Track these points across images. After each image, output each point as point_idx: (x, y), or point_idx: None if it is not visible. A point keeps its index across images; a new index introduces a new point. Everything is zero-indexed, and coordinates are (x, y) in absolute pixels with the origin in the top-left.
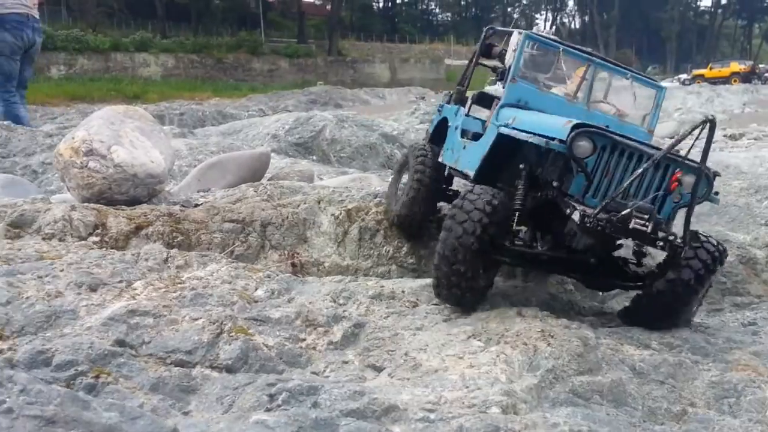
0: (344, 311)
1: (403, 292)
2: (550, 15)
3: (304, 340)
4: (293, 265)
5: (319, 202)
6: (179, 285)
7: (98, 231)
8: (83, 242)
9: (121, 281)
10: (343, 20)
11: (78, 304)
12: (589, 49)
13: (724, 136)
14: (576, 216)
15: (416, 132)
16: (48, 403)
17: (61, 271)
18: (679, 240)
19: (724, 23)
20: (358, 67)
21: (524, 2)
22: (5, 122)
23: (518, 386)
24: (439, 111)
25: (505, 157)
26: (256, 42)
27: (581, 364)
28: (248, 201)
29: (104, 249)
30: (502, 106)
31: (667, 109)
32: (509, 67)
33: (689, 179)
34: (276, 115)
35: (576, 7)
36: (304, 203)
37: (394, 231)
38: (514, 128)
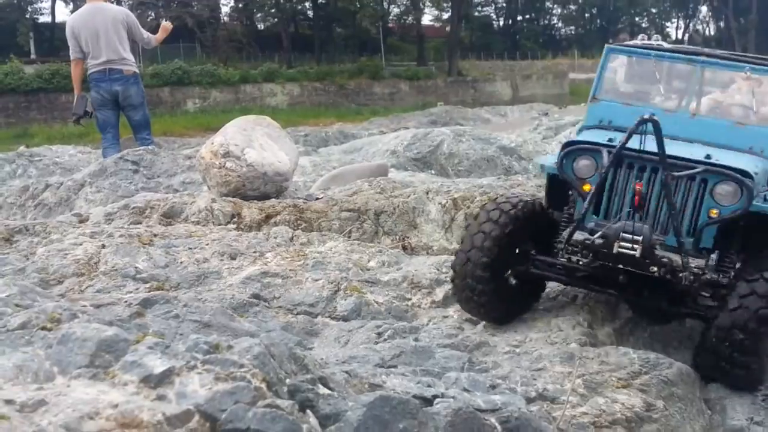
0: (446, 277)
1: None
2: (681, 23)
3: (410, 299)
4: (404, 247)
5: (427, 193)
6: (302, 256)
7: (235, 219)
8: (223, 227)
9: (255, 252)
10: (462, 40)
11: (221, 267)
12: (695, 48)
13: None
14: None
15: (534, 144)
16: (204, 314)
17: (207, 244)
18: (680, 264)
19: None
20: (478, 86)
21: (653, 11)
22: (150, 147)
23: (599, 331)
24: None
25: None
26: (377, 67)
27: (662, 316)
28: (363, 193)
29: (240, 232)
30: (581, 130)
31: None
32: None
33: (727, 188)
34: (394, 132)
35: (710, 13)
36: (414, 194)
37: None
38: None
